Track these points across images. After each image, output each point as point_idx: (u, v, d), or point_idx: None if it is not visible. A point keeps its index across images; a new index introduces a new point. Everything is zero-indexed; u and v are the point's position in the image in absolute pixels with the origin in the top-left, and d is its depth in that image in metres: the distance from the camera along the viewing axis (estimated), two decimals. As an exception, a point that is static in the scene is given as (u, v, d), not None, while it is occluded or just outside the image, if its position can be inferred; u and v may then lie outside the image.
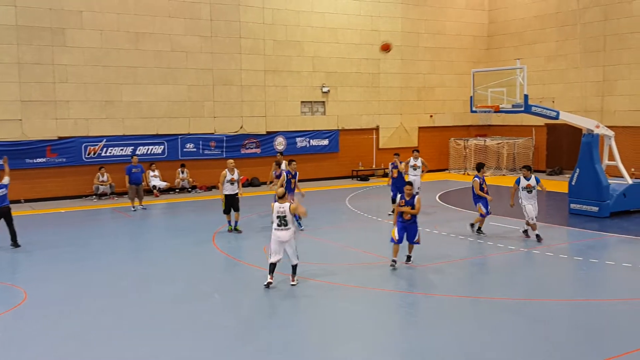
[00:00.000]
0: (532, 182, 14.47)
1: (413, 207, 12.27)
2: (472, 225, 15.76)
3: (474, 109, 20.07)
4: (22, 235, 14.88)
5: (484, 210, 15.20)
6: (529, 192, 14.47)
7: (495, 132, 31.51)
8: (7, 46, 21.08)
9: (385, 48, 16.10)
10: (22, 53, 21.34)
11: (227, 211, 16.07)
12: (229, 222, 16.26)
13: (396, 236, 12.23)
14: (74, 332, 8.95)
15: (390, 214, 17.72)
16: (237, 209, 16.09)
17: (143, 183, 21.32)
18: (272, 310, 10.03)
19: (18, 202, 21.28)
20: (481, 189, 15.31)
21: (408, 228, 12.34)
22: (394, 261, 12.26)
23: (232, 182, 15.97)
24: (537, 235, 14.46)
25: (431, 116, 30.92)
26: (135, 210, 19.78)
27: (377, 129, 29.39)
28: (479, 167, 16.07)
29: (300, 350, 8.27)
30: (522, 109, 17.88)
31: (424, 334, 8.89)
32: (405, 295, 10.79)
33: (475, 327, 9.08)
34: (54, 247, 14.57)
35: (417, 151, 19.50)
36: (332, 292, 10.88)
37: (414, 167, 18.98)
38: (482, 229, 15.46)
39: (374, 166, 29.35)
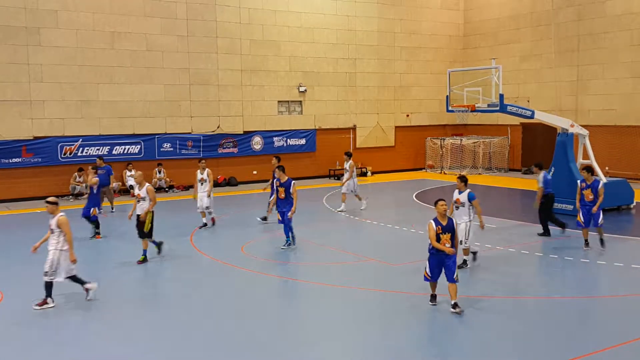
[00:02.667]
0: (463, 197, 11.94)
1: (453, 236, 9.57)
2: (586, 242, 13.76)
3: (450, 108, 20.34)
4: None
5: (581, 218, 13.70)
6: (457, 208, 12.04)
7: (471, 131, 31.90)
8: (-20, 45, 20.86)
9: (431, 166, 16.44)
10: (-3, 52, 21.15)
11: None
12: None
13: (429, 273, 9.80)
14: (46, 334, 8.97)
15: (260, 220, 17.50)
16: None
17: (115, 184, 21.20)
18: (246, 309, 10.11)
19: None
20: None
21: (446, 262, 9.58)
22: (434, 296, 9.95)
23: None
24: (464, 261, 12.15)
25: (407, 115, 31.19)
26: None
27: (354, 128, 29.58)
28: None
29: (275, 350, 8.38)
30: (498, 108, 18.13)
31: (400, 333, 9.04)
32: (382, 294, 10.92)
33: (450, 325, 9.18)
34: (29, 248, 14.47)
35: (348, 154, 19.58)
36: (309, 291, 11.00)
37: (345, 170, 19.50)
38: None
39: (351, 165, 29.48)
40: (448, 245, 9.41)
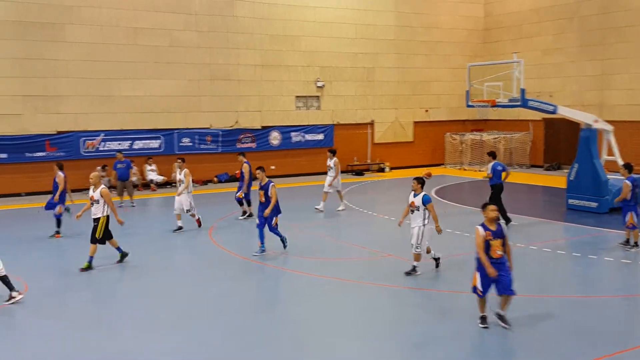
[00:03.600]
0: (418, 200, 11.27)
1: (504, 241, 8.71)
2: (626, 242, 13.38)
3: (470, 103, 20.19)
4: (23, 228, 15.09)
5: (635, 219, 13.00)
6: (412, 211, 11.41)
7: (492, 126, 31.65)
8: (8, 42, 21.25)
9: (428, 175, 16.46)
10: (23, 48, 21.51)
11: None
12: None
13: (480, 287, 8.78)
14: (71, 323, 9.18)
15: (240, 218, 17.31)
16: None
17: (135, 178, 21.49)
18: (264, 303, 10.23)
19: (19, 195, 21.57)
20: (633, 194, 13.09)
21: (499, 272, 8.63)
22: (484, 318, 8.88)
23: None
24: (414, 267, 11.51)
25: (427, 111, 31.06)
26: (121, 206, 19.82)
27: (372, 123, 29.56)
28: (629, 167, 13.72)
29: (290, 345, 8.48)
30: (519, 103, 17.91)
31: (419, 329, 9.07)
32: (399, 290, 10.92)
33: (471, 324, 9.09)
34: (53, 239, 14.77)
35: (332, 152, 19.00)
36: (326, 286, 11.07)
37: (329, 168, 18.67)
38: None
39: (369, 161, 29.54)
40: (499, 252, 8.57)
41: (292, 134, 27.31)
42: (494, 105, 18.97)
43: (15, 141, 21.63)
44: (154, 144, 24.25)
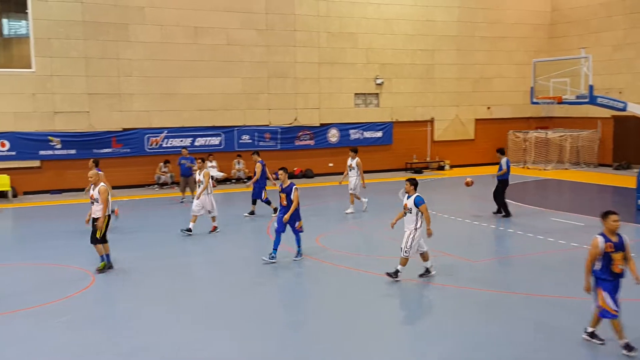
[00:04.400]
0: (410, 202, 10.76)
1: (626, 254, 7.86)
2: None
3: (534, 100, 19.70)
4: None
5: None
6: (405, 214, 10.90)
7: (558, 124, 30.69)
8: (75, 41, 22.09)
9: (469, 184, 16.57)
10: (89, 48, 22.32)
11: None
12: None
13: (612, 306, 7.73)
14: (133, 315, 9.46)
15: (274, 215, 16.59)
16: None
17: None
18: (317, 299, 10.26)
19: (83, 190, 22.39)
20: None
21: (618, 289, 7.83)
22: (630, 347, 7.66)
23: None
24: (396, 271, 10.86)
25: (489, 108, 30.43)
26: (182, 202, 20.29)
27: (431, 121, 29.19)
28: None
29: (341, 339, 8.48)
30: (587, 100, 17.39)
31: (470, 329, 8.92)
32: (456, 290, 10.74)
33: (526, 326, 8.90)
34: (117, 233, 15.26)
35: (354, 151, 18.29)
36: (379, 284, 11.02)
37: (350, 168, 17.93)
38: None
39: (428, 159, 29.20)
40: (621, 266, 7.72)
41: (351, 131, 27.29)
42: (560, 102, 18.44)
43: (84, 138, 22.50)
44: (215, 140, 24.72)
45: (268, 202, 17.48)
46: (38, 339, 8.48)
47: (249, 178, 25.01)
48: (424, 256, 11.01)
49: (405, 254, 10.72)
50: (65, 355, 7.93)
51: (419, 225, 10.69)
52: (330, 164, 26.90)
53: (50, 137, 22.00)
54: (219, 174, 24.14)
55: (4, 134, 21.41)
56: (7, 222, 15.95)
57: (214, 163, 24.17)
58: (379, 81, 27.49)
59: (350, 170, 17.77)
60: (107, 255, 11.72)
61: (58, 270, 12.03)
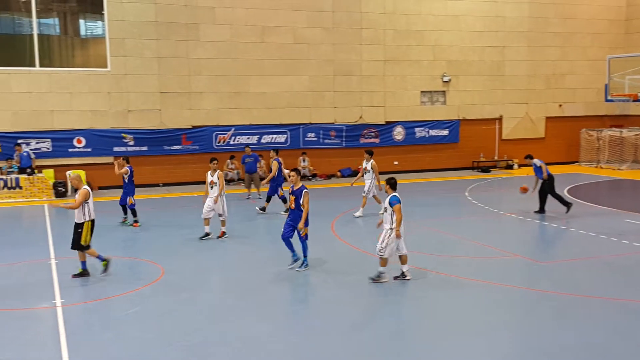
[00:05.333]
0: (386, 202, 10.71)
1: None
2: None
3: (609, 97, 19.07)
4: (160, 216, 16.17)
5: None
6: (383, 214, 10.89)
7: (634, 122, 29.45)
8: (148, 41, 22.85)
9: (524, 190, 16.43)
10: (161, 47, 23.04)
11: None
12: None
13: None
14: (203, 308, 9.71)
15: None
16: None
17: (261, 171, 22.33)
18: (385, 298, 10.23)
19: (157, 185, 23.23)
20: None
21: None
22: None
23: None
24: (379, 274, 10.72)
25: (560, 105, 29.51)
26: (248, 199, 20.67)
27: (500, 119, 28.57)
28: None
29: (410, 340, 8.45)
30: (665, 98, 16.74)
31: (542, 333, 8.70)
32: (526, 292, 10.52)
33: (603, 331, 8.65)
34: (187, 227, 15.72)
35: (369, 153, 17.28)
36: (447, 284, 10.89)
37: (365, 171, 17.03)
38: None
39: (496, 157, 28.59)
40: None
41: (417, 129, 27.04)
42: (636, 99, 17.80)
43: (155, 135, 23.25)
44: (281, 138, 25.04)
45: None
46: (110, 329, 8.81)
47: (314, 175, 25.28)
48: (402, 259, 10.76)
49: (379, 254, 10.53)
50: (136, 346, 8.17)
51: (393, 225, 10.46)
52: (395, 162, 26.76)
53: (123, 134, 22.85)
54: (285, 171, 24.44)
55: (81, 131, 22.38)
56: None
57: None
58: (446, 78, 27.11)
59: (366, 173, 16.99)
60: (83, 263, 11.18)
61: (129, 262, 12.50)
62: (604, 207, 18.11)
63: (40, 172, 21.36)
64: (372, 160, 16.93)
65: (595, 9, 29.47)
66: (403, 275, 10.83)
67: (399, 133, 26.80)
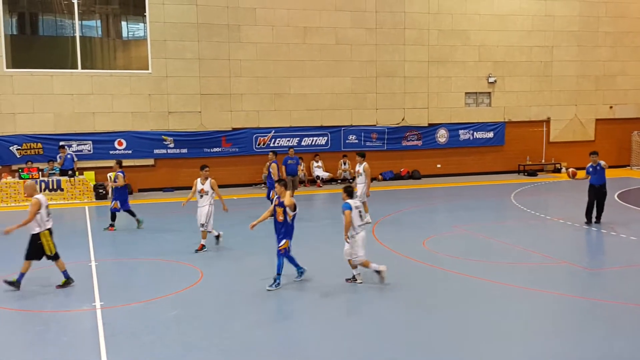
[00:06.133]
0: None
1: None
2: None
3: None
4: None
5: None
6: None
7: (688, 124, 28.31)
8: (189, 43, 22.86)
9: (573, 175, 15.48)
10: (202, 49, 23.02)
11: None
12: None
13: None
14: (242, 312, 9.47)
15: None
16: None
17: (302, 174, 22.07)
18: (425, 304, 9.83)
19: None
20: None
21: None
22: None
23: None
24: (354, 276, 10.73)
25: (611, 107, 28.46)
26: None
27: (547, 121, 27.69)
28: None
29: (454, 346, 8.04)
30: None
31: (592, 344, 8.18)
32: (573, 300, 10.00)
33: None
34: (226, 229, 15.53)
35: (361, 155, 16.29)
36: (491, 291, 10.44)
37: (358, 174, 16.09)
38: None
39: (543, 161, 27.73)
40: None
41: (461, 131, 26.41)
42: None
43: (195, 137, 23.23)
44: (321, 140, 24.75)
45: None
46: (150, 332, 8.64)
47: (354, 179, 24.85)
48: (351, 263, 10.68)
49: (351, 257, 10.64)
50: (176, 349, 8.01)
51: (358, 230, 10.50)
52: (438, 165, 26.20)
53: (164, 137, 22.90)
54: (325, 174, 24.21)
55: (122, 133, 22.52)
56: (124, 219, 16.71)
57: (319, 163, 24.25)
58: (491, 79, 26.41)
59: (358, 176, 16.06)
60: (21, 275, 10.43)
61: (170, 265, 12.35)
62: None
63: (81, 174, 21.53)
64: (364, 162, 15.98)
65: (648, 7, 28.36)
66: (354, 278, 10.78)
67: (442, 135, 26.21)
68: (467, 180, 25.21)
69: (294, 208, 10.52)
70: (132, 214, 16.12)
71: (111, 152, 22.39)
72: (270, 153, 17.53)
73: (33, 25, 22.96)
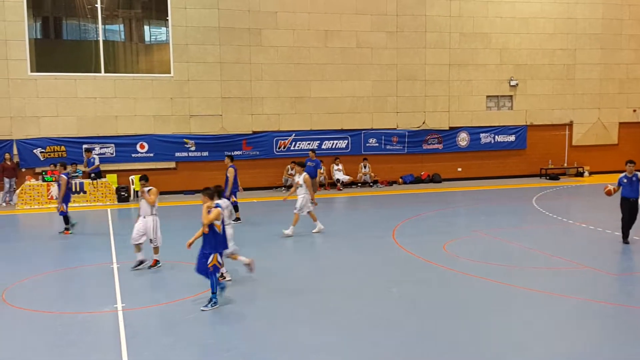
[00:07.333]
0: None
1: None
2: None
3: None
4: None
5: None
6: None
7: None
8: (211, 47, 23.01)
9: (608, 193, 14.04)
10: (224, 53, 23.15)
11: None
12: None
13: None
14: (262, 314, 9.48)
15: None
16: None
17: (322, 177, 22.05)
18: (446, 308, 9.76)
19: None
20: None
21: None
22: None
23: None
24: (222, 275, 10.69)
25: (635, 111, 28.06)
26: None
27: (570, 124, 27.37)
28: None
29: (472, 350, 7.96)
30: None
31: (611, 349, 8.05)
32: (596, 305, 9.83)
33: None
34: (246, 232, 15.58)
35: (300, 165, 15.64)
36: (513, 296, 10.33)
37: (298, 185, 15.28)
38: None
39: (565, 164, 27.40)
40: None
41: (482, 135, 26.22)
42: None
43: (216, 140, 23.35)
44: (342, 144, 24.74)
45: (235, 208, 16.35)
46: (171, 334, 8.69)
47: (375, 182, 24.83)
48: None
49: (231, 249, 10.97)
50: (195, 352, 8.05)
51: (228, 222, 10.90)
52: (459, 169, 26.04)
53: (185, 140, 23.06)
54: (345, 177, 24.19)
55: (144, 136, 22.71)
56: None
57: (340, 166, 24.24)
58: (513, 83, 26.19)
59: (298, 187, 15.25)
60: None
61: (191, 267, 12.39)
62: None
63: (103, 177, 21.76)
64: (304, 173, 15.26)
65: (674, 9, 27.91)
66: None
67: (463, 139, 26.04)
68: (488, 184, 25.01)
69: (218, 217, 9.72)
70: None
71: (133, 155, 22.60)
72: (227, 157, 17.34)
73: (57, 29, 23.28)
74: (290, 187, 23.67)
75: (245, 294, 10.57)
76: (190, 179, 23.29)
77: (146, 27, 23.86)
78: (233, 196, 16.59)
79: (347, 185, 24.27)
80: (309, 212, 15.34)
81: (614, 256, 13.20)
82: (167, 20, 22.80)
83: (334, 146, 24.61)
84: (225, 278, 10.97)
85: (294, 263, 12.98)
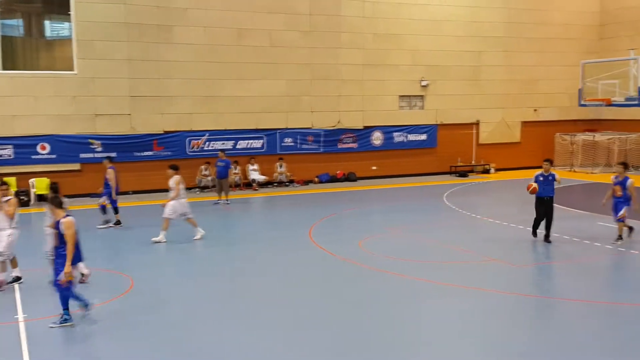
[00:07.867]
0: None
1: None
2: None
3: (582, 102, 18.99)
4: (129, 226, 15.48)
5: None
6: None
7: (606, 126, 29.63)
8: (118, 43, 22.07)
9: (533, 191, 14.04)
10: (131, 50, 22.28)
11: None
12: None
13: None
14: (173, 320, 9.14)
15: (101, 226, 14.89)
16: None
17: (234, 177, 21.77)
18: (364, 304, 9.80)
19: (126, 193, 22.24)
20: None
21: None
22: None
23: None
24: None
25: (535, 110, 29.54)
26: (216, 204, 20.05)
27: (477, 123, 28.44)
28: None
29: (387, 349, 8.01)
30: (637, 102, 16.66)
31: (522, 336, 8.34)
32: (503, 296, 10.20)
33: (584, 334, 8.50)
34: (155, 237, 15.04)
35: (172, 168, 15.13)
36: (427, 289, 10.56)
37: (171, 189, 14.79)
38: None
39: (473, 162, 28.44)
40: None
41: (395, 134, 26.73)
42: (609, 104, 17.75)
43: (125, 140, 22.43)
44: (257, 143, 24.46)
45: (103, 210, 16.49)
46: (76, 343, 8.21)
47: (291, 181, 24.73)
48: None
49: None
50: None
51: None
52: (374, 167, 26.44)
53: (91, 140, 22.00)
54: (261, 177, 23.94)
55: (45, 137, 21.42)
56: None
57: (255, 166, 23.97)
58: (424, 83, 26.88)
59: (171, 191, 14.74)
60: None
61: (100, 274, 11.81)
62: (578, 210, 18.15)
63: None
64: (176, 175, 14.69)
65: (569, 15, 29.60)
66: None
67: (377, 138, 26.44)
68: (401, 182, 25.53)
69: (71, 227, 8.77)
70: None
71: (33, 156, 21.28)
72: (106, 159, 17.00)
73: (-53, 22, 21.63)
74: (204, 188, 23.16)
75: (165, 298, 10.16)
76: (96, 181, 22.18)
77: (47, 22, 22.57)
78: (106, 199, 16.41)
79: (263, 185, 24.04)
80: (166, 219, 14.51)
81: (517, 248, 13.72)
82: (70, 14, 21.64)
83: (249, 146, 24.30)
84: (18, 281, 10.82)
85: (209, 263, 12.63)
